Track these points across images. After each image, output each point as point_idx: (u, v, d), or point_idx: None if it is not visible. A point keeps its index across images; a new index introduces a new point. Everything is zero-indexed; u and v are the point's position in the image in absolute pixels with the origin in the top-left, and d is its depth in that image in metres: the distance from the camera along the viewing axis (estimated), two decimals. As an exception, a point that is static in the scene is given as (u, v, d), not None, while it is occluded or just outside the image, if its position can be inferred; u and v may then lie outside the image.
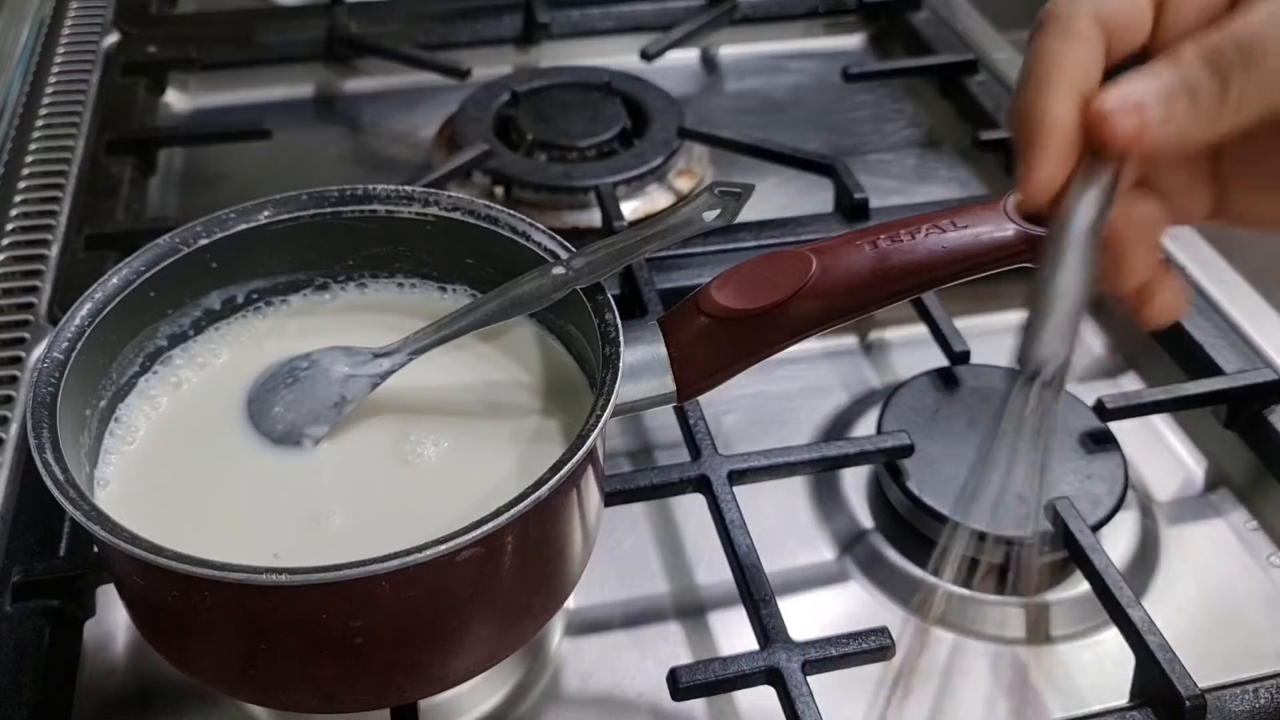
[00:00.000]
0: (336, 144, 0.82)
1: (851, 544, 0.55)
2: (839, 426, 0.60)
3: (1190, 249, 0.67)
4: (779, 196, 0.74)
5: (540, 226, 0.47)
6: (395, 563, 0.35)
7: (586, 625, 0.51)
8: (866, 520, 0.55)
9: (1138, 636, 0.46)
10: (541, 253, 0.46)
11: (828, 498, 0.57)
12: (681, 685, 0.44)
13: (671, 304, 0.45)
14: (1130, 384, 0.64)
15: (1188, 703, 0.44)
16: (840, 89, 0.84)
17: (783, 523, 0.55)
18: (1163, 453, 0.60)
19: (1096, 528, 0.51)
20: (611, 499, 0.50)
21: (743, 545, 0.49)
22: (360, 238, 0.49)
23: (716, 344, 0.43)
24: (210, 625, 0.40)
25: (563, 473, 0.38)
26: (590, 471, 0.43)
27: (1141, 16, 0.35)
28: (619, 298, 0.62)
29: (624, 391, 0.41)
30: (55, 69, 0.81)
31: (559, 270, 0.45)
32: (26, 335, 0.60)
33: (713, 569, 0.52)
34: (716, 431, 0.54)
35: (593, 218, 0.71)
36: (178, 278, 0.46)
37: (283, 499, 0.43)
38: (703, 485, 0.52)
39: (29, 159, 0.72)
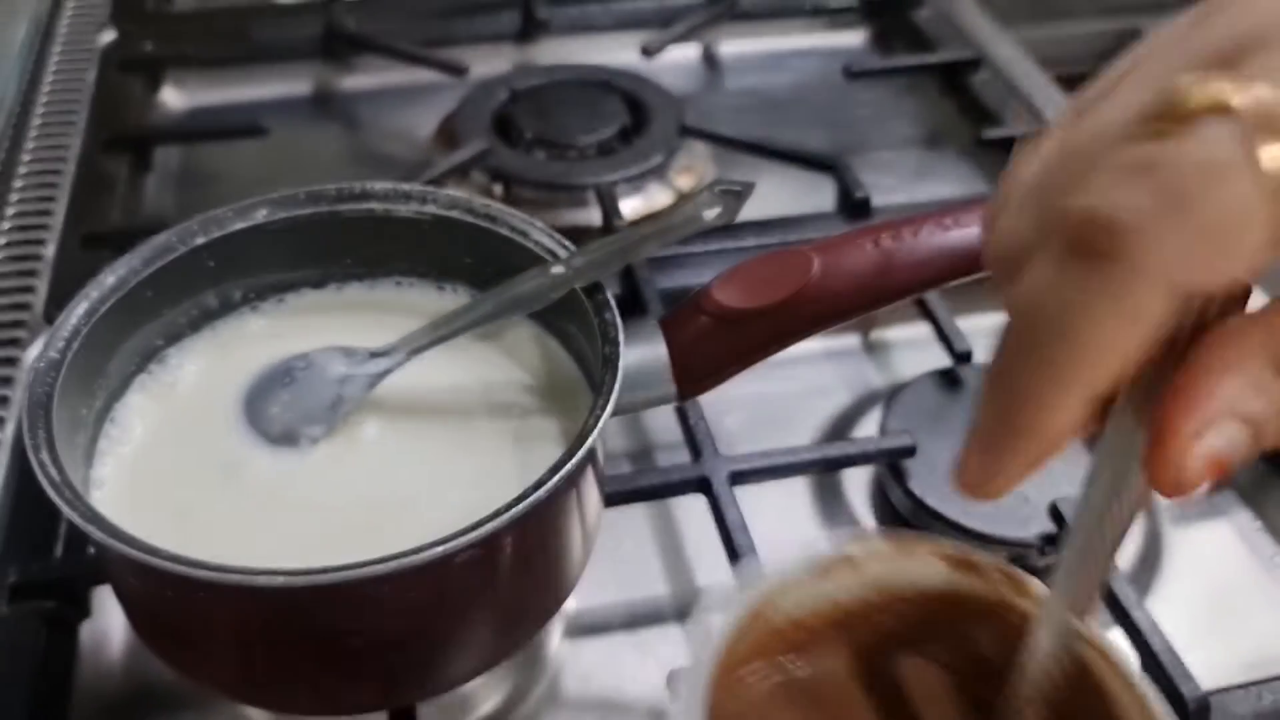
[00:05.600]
0: (334, 142, 0.82)
1: (853, 545, 0.54)
2: (840, 427, 0.60)
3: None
4: (780, 195, 0.73)
5: (539, 225, 0.47)
6: (394, 564, 0.35)
7: (586, 627, 0.51)
8: (869, 521, 0.55)
9: (1141, 637, 0.46)
10: (540, 251, 0.46)
11: (830, 499, 0.56)
12: (682, 687, 0.44)
13: (672, 304, 0.45)
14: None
15: (1191, 704, 0.43)
16: (842, 86, 0.84)
17: (784, 524, 0.55)
18: (1166, 452, 0.59)
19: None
20: (611, 500, 0.50)
21: (744, 547, 0.49)
22: (357, 236, 0.49)
23: (717, 344, 0.43)
24: (207, 627, 0.40)
25: (561, 474, 0.37)
26: (590, 472, 0.42)
27: (1233, 293, 0.25)
28: (619, 297, 0.61)
29: (624, 391, 0.41)
30: (52, 66, 0.81)
31: (558, 269, 0.44)
32: (22, 335, 0.60)
33: (713, 571, 0.52)
34: (717, 432, 0.53)
35: (592, 216, 0.71)
36: (174, 277, 0.46)
37: (280, 500, 0.42)
38: (703, 486, 0.51)
39: (25, 157, 0.72)
